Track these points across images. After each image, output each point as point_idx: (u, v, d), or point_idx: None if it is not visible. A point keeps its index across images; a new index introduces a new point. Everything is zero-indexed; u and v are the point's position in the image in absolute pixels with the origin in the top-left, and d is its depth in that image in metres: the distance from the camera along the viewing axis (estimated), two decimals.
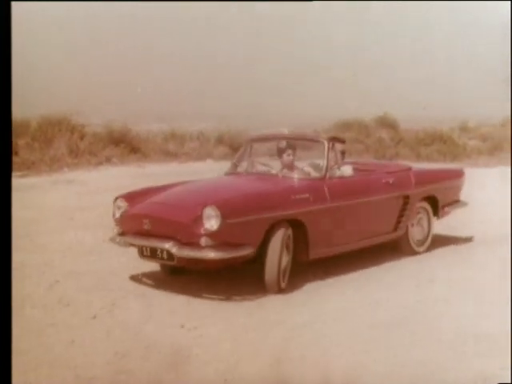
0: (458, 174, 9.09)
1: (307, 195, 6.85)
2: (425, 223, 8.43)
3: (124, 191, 7.14)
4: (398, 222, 7.93)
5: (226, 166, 8.30)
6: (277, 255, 6.43)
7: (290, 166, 7.41)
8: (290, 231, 6.63)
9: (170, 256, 6.26)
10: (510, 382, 4.75)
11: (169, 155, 20.21)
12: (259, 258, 6.43)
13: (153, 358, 4.93)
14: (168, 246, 6.23)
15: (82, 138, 18.40)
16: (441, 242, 8.84)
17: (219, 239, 6.10)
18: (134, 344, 5.19)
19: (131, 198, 6.98)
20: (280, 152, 7.45)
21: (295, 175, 7.26)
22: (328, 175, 7.17)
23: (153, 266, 7.16)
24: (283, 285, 6.56)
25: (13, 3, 5.12)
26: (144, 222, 6.50)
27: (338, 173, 7.38)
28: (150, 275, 7.17)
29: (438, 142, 23.50)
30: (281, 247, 6.45)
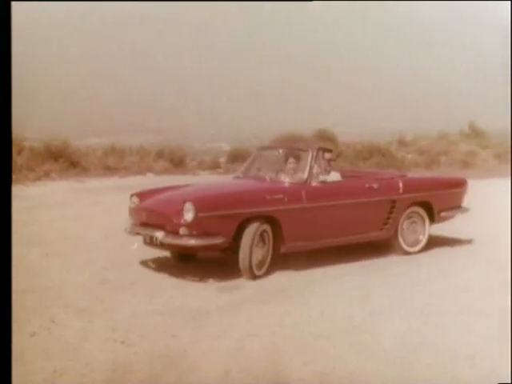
0: (459, 183, 9.70)
1: (282, 196, 7.81)
2: (418, 226, 9.14)
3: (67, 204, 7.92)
4: (385, 224, 8.74)
5: (167, 179, 8.57)
6: (248, 246, 7.43)
7: (293, 172, 8.38)
8: (265, 226, 7.64)
9: (162, 243, 7.50)
10: (510, 382, 4.83)
11: (109, 169, 19.99)
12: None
13: None
14: (157, 234, 7.48)
15: (19, 152, 18.04)
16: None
17: (194, 229, 7.27)
18: None
19: (142, 195, 8.32)
20: (285, 160, 8.56)
21: (281, 179, 8.28)
22: (309, 180, 8.12)
23: None
24: (260, 272, 7.62)
25: (13, 3, 5.19)
26: (143, 214, 7.94)
27: (327, 178, 8.35)
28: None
29: (377, 155, 23.81)
30: (252, 239, 7.46)
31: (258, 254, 7.59)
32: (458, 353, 5.32)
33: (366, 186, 8.63)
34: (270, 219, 7.66)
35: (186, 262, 8.30)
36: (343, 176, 8.79)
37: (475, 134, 29.70)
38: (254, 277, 7.52)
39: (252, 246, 7.44)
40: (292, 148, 8.80)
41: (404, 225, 8.96)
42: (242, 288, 7.27)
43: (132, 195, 8.31)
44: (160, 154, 22.19)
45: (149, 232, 7.65)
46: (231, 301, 6.78)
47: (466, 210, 9.61)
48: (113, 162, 20.67)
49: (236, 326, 5.96)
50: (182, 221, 7.30)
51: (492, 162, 25.25)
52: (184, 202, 7.34)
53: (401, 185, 8.87)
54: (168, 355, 5.26)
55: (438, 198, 9.17)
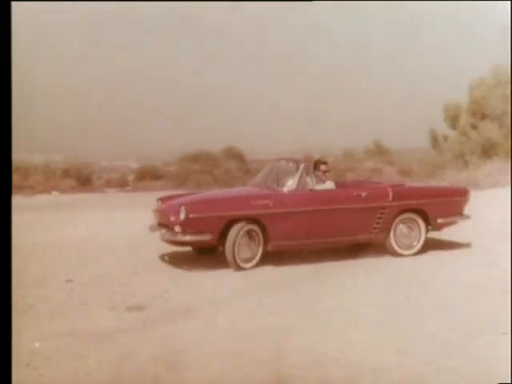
0: (458, 192, 10.53)
1: (268, 201, 9.27)
2: (414, 232, 10.01)
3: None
4: (374, 228, 9.77)
5: (73, 197, 8.78)
6: (231, 243, 9.03)
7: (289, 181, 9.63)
8: (252, 227, 9.13)
9: (165, 239, 9.35)
10: (510, 382, 4.89)
11: (13, 188, 19.33)
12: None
13: None
14: (163, 231, 9.33)
15: None
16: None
17: (187, 227, 9.02)
18: None
19: (164, 199, 10.16)
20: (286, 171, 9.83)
21: (277, 187, 9.64)
22: (299, 188, 9.47)
23: None
24: (248, 265, 9.15)
25: (13, 3, 5.30)
26: (158, 215, 9.74)
27: (321, 186, 9.74)
28: None
29: None
30: (234, 238, 9.02)
31: (246, 250, 9.16)
32: None
33: (354, 194, 9.74)
34: (256, 221, 9.13)
35: (205, 255, 9.95)
36: (340, 185, 10.18)
37: (380, 151, 30.48)
38: (239, 268, 9.07)
39: (234, 243, 9.02)
40: (290, 161, 9.97)
41: (398, 229, 9.91)
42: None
43: (157, 199, 10.22)
44: (66, 173, 21.66)
45: (159, 230, 9.44)
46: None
47: (467, 217, 10.32)
48: (17, 180, 20.03)
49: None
50: (177, 220, 9.05)
51: (396, 178, 25.94)
52: (180, 205, 9.16)
53: (390, 193, 9.83)
54: None
55: (434, 206, 9.98)
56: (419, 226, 10.02)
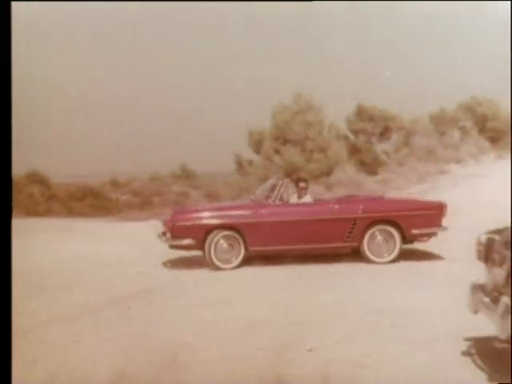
0: (433, 205, 11.06)
1: (246, 212, 10.86)
2: (389, 241, 10.70)
3: None
4: (347, 237, 10.71)
5: None
6: (208, 246, 10.55)
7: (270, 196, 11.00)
8: (232, 234, 10.59)
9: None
10: (510, 382, 4.89)
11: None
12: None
13: None
14: (163, 237, 10.97)
15: None
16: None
17: (174, 234, 10.71)
18: None
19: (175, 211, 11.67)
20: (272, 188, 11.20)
21: (261, 201, 11.05)
22: (274, 201, 10.82)
23: None
24: (227, 266, 10.57)
25: (13, 3, 5.36)
26: (163, 224, 11.16)
27: (299, 200, 11.20)
28: None
29: (90, 196, 23.35)
30: (210, 242, 10.54)
31: (225, 253, 10.60)
32: None
33: (326, 206, 10.92)
34: (235, 229, 10.58)
35: None
36: (320, 200, 11.61)
37: (186, 175, 30.57)
38: (216, 268, 10.52)
39: (210, 247, 10.54)
40: (274, 179, 11.57)
41: (372, 239, 10.67)
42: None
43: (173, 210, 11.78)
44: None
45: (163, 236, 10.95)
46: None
47: (445, 228, 10.77)
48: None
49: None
50: (168, 228, 10.78)
51: (203, 202, 26.10)
52: (171, 214, 11.04)
53: (361, 206, 10.83)
54: None
55: (407, 218, 10.67)
56: (394, 236, 10.68)
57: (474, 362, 5.69)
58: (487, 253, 5.77)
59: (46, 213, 20.80)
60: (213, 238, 10.60)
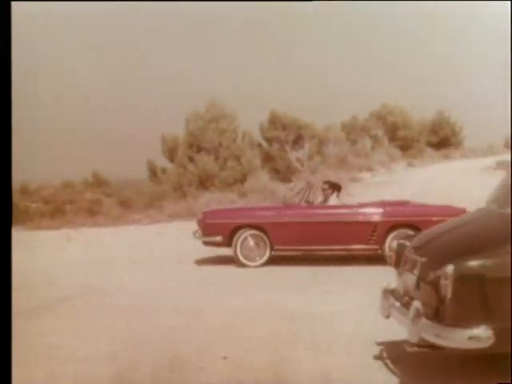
0: (454, 211, 10.70)
1: (272, 213, 11.65)
2: None
3: None
4: (369, 239, 11.11)
5: None
6: (234, 244, 11.23)
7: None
8: (257, 233, 11.24)
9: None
10: (510, 382, 4.80)
11: None
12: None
13: None
14: (196, 234, 11.74)
15: None
16: None
17: (205, 231, 11.47)
18: None
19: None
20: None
21: (288, 201, 12.01)
22: (300, 203, 11.38)
23: None
24: (252, 264, 11.18)
25: (13, 3, 5.31)
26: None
27: (327, 202, 11.55)
28: None
29: None
30: (236, 241, 11.21)
31: (252, 251, 11.24)
32: None
33: (349, 209, 11.35)
34: (260, 228, 11.22)
35: None
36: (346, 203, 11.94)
37: (99, 182, 30.05)
38: (242, 265, 11.18)
39: (236, 245, 11.21)
40: (304, 182, 12.61)
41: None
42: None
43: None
44: None
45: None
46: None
47: None
48: None
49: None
50: (199, 226, 11.62)
51: (116, 210, 25.68)
52: (202, 214, 11.92)
53: (382, 210, 11.19)
54: None
55: (429, 224, 10.24)
56: None
57: (386, 365, 5.79)
58: (398, 258, 5.90)
59: None
60: (239, 236, 11.26)
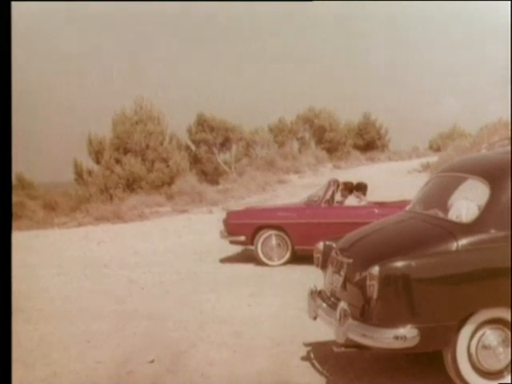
0: None
1: (291, 213, 11.59)
2: None
3: None
4: None
5: None
6: (256, 243, 11.45)
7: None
8: (278, 233, 11.40)
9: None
10: (510, 382, 4.82)
11: None
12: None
13: None
14: (221, 233, 11.97)
15: None
16: None
17: (229, 230, 11.75)
18: None
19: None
20: None
21: (309, 202, 11.74)
22: (321, 203, 11.41)
23: None
24: (273, 263, 11.38)
25: (13, 3, 5.30)
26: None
27: (344, 202, 11.54)
28: None
29: None
30: (258, 240, 11.43)
31: (273, 250, 11.41)
32: None
33: (367, 210, 11.20)
34: (281, 229, 11.39)
35: None
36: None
37: (23, 184, 29.33)
38: (263, 264, 11.35)
39: (257, 244, 11.42)
40: (326, 182, 12.12)
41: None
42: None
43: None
44: None
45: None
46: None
47: None
48: None
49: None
50: (224, 226, 11.85)
51: (41, 213, 25.15)
52: (227, 214, 12.24)
53: (397, 210, 10.19)
54: None
55: None
56: None
57: (314, 366, 5.83)
58: (325, 260, 5.94)
59: None
60: (261, 236, 11.48)
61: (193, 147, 30.97)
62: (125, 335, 7.07)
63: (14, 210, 24.16)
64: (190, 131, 31.21)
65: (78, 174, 26.89)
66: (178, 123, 29.27)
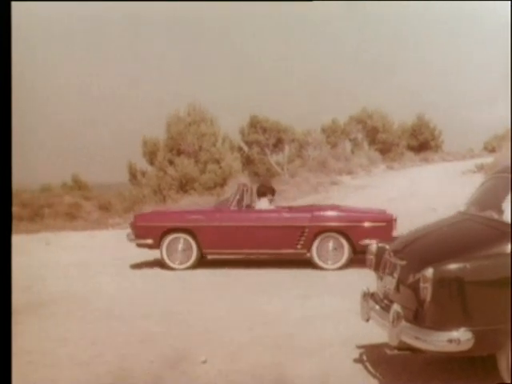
0: (383, 219, 11.17)
1: (201, 216, 11.47)
2: (338, 250, 11.04)
3: None
4: (296, 244, 11.12)
5: None
6: (163, 246, 11.25)
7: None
8: (185, 236, 11.22)
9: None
10: (510, 382, 4.77)
11: None
12: None
13: None
14: (128, 235, 11.71)
15: None
16: None
17: (136, 233, 11.47)
18: None
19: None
20: None
21: (220, 205, 11.93)
22: (231, 207, 11.35)
23: None
24: (181, 266, 11.19)
25: (13, 3, 5.32)
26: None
27: (256, 206, 11.58)
28: None
29: None
30: (164, 243, 11.22)
31: (181, 254, 11.23)
32: None
33: (277, 214, 11.40)
34: (189, 232, 11.21)
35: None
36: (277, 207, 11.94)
37: (78, 185, 29.89)
38: (170, 268, 11.21)
39: (162, 247, 11.24)
40: (237, 185, 12.36)
41: (321, 246, 11.05)
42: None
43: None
44: None
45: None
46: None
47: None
48: None
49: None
50: (131, 228, 11.65)
51: (95, 214, 25.59)
52: (134, 217, 12.07)
53: (310, 215, 11.20)
54: None
55: (355, 229, 10.98)
56: (343, 245, 11.01)
57: (366, 368, 5.80)
58: (378, 262, 5.91)
59: None
60: (167, 239, 11.29)
61: (245, 148, 31.09)
62: (177, 335, 7.14)
63: (70, 210, 24.66)
64: (242, 133, 31.35)
65: (132, 175, 27.27)
66: (230, 125, 29.43)
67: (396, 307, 5.03)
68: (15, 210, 24.41)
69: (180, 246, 11.29)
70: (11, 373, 4.65)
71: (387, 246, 5.85)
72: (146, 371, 5.95)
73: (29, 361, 6.37)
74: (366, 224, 11.15)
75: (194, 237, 11.25)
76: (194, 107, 26.13)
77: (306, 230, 11.12)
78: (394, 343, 5.01)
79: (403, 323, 4.91)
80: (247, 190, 11.75)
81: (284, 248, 11.22)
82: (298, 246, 11.17)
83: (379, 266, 5.85)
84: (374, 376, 5.59)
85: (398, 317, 4.96)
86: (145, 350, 6.59)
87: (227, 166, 25.79)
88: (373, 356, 6.04)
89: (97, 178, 29.89)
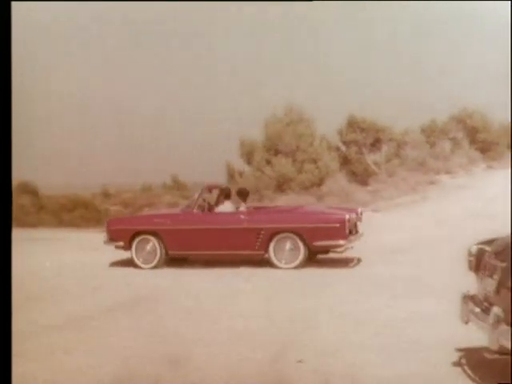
0: (333, 220, 11.33)
1: (168, 219, 11.97)
2: (295, 250, 11.24)
3: None
4: (253, 245, 11.41)
5: None
6: (133, 248, 11.83)
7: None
8: (152, 238, 11.74)
9: None
10: (510, 382, 4.79)
11: None
12: None
13: None
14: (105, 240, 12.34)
15: None
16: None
17: (109, 237, 12.13)
18: None
19: None
20: None
21: (183, 209, 12.42)
22: (194, 210, 11.78)
23: None
24: (147, 266, 11.76)
25: (13, 3, 5.36)
26: None
27: (218, 209, 11.98)
28: None
29: (81, 207, 23.38)
30: (133, 245, 11.81)
31: (149, 255, 11.75)
32: None
33: (235, 217, 11.71)
34: (155, 234, 11.74)
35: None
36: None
37: (177, 185, 30.54)
38: (139, 267, 11.77)
39: (132, 249, 11.81)
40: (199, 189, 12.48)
41: (277, 247, 11.31)
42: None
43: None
44: None
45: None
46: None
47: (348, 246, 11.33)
48: None
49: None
50: (106, 231, 12.22)
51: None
52: (107, 221, 12.73)
53: (266, 217, 11.81)
54: None
55: (308, 230, 11.22)
56: (299, 245, 11.22)
57: (465, 372, 5.69)
58: (478, 263, 5.78)
59: (36, 224, 20.67)
60: (135, 241, 11.82)
61: (343, 148, 30.92)
62: (273, 334, 7.21)
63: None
64: (340, 133, 31.20)
65: (230, 175, 27.60)
66: (328, 125, 29.33)
67: (496, 310, 4.92)
68: (117, 209, 25.23)
69: (147, 248, 11.80)
70: (11, 373, 4.69)
71: (487, 248, 5.72)
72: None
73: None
74: (319, 225, 11.33)
75: (160, 239, 11.76)
76: (292, 108, 26.21)
77: (262, 232, 11.41)
78: (494, 347, 4.90)
79: (503, 327, 4.80)
80: (211, 192, 12.43)
81: (243, 249, 11.57)
82: (256, 247, 11.47)
83: (479, 267, 5.73)
84: (474, 380, 5.49)
85: (497, 320, 4.85)
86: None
87: (324, 166, 25.71)
88: (472, 360, 5.93)
89: (195, 177, 30.43)
